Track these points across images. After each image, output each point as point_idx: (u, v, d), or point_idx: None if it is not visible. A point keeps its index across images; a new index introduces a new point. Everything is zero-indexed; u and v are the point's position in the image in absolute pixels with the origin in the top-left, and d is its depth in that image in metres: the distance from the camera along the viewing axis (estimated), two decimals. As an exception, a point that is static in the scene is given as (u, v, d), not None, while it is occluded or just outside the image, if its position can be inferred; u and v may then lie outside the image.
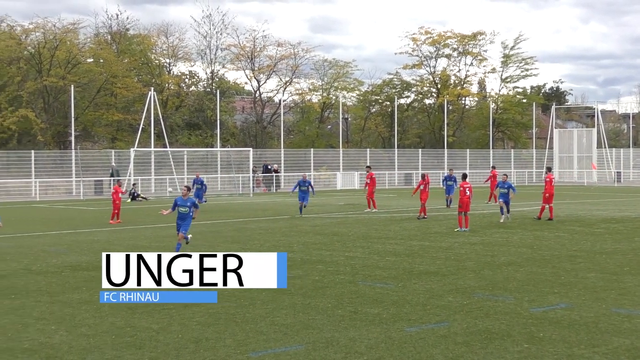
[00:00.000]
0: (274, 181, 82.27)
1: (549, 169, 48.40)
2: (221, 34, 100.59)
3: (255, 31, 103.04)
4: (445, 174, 55.54)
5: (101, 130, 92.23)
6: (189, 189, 31.00)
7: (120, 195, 44.41)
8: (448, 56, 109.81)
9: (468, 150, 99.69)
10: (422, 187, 44.97)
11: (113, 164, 74.42)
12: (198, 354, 15.11)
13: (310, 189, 47.88)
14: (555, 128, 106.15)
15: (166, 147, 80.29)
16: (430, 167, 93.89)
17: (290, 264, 26.80)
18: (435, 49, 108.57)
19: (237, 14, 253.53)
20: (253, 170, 78.74)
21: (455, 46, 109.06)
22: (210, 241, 33.89)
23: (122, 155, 76.44)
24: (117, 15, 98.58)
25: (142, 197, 65.98)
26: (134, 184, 68.01)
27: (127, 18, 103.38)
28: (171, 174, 77.04)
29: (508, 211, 42.61)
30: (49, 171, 73.50)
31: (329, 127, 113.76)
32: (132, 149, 72.98)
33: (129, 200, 64.18)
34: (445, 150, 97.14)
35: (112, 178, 72.48)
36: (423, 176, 45.98)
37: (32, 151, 73.68)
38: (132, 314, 18.90)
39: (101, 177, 74.31)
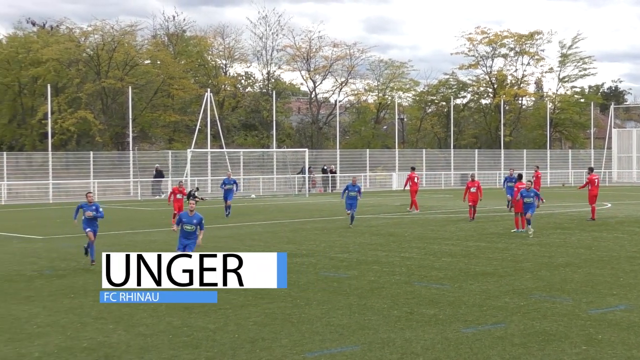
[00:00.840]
0: (330, 182, 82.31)
1: (591, 170, 47.83)
2: (277, 35, 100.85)
3: (310, 32, 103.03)
4: (506, 175, 49.55)
5: (158, 131, 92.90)
6: (195, 200, 28.00)
7: (178, 196, 43.21)
8: (505, 56, 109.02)
9: (525, 150, 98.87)
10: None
11: (157, 165, 74.83)
12: (254, 353, 15.16)
13: (359, 195, 40.78)
14: (614, 128, 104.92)
15: (222, 148, 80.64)
16: (486, 167, 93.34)
17: (345, 265, 26.88)
18: (491, 48, 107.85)
19: (293, 14, 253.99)
20: (308, 171, 78.84)
21: (512, 46, 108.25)
22: (266, 241, 33.99)
23: (178, 156, 76.92)
24: (174, 17, 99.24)
25: (200, 198, 66.27)
26: (197, 188, 68.46)
27: (184, 20, 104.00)
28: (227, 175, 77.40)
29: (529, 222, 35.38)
30: (107, 172, 74.17)
31: (384, 127, 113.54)
32: (189, 150, 73.38)
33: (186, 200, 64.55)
34: (502, 150, 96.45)
35: (154, 179, 73.12)
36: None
37: (91, 152, 74.39)
38: (188, 313, 19.03)
39: (159, 177, 74.85)
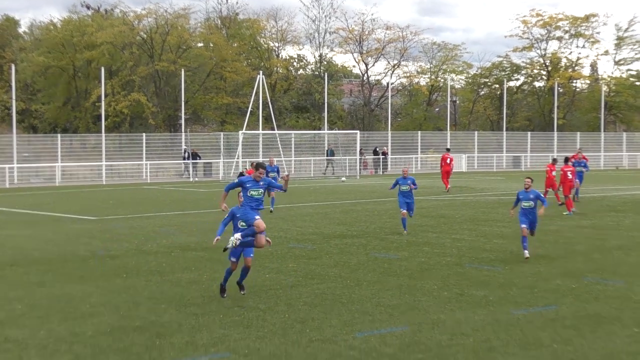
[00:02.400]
0: (381, 164, 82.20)
1: None
2: (330, 18, 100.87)
3: (363, 14, 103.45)
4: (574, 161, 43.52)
5: (210, 113, 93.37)
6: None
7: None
8: (559, 38, 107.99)
9: (578, 133, 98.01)
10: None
11: (185, 146, 74.90)
12: (304, 333, 15.22)
13: (413, 188, 30.99)
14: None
15: (274, 130, 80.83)
16: (538, 150, 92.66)
17: (396, 246, 26.87)
18: (546, 31, 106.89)
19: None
20: (360, 153, 78.79)
21: (566, 28, 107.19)
22: (317, 222, 34.05)
23: (231, 138, 77.21)
24: (227, 0, 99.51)
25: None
26: (245, 169, 68.70)
27: (237, 3, 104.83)
28: (279, 156, 77.56)
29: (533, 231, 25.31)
30: (160, 153, 74.71)
31: (436, 109, 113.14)
32: (240, 132, 73.63)
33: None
34: (555, 133, 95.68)
35: (185, 161, 73.29)
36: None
37: (144, 134, 74.99)
38: (236, 292, 19.13)
39: (210, 159, 75.21)
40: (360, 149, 79.36)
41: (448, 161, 54.88)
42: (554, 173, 39.67)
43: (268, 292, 19.26)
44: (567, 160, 39.96)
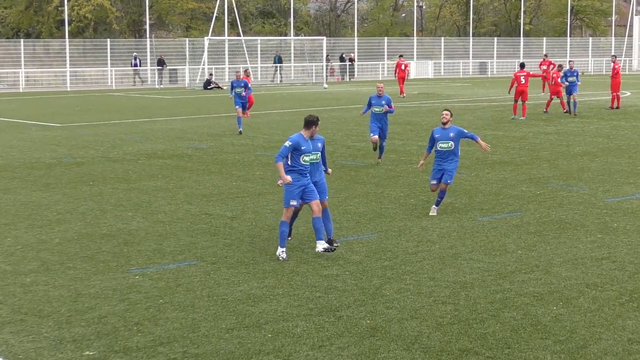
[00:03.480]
0: (348, 70, 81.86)
1: (615, 57, 47.64)
2: None
3: None
4: (566, 69, 41.18)
5: (176, 18, 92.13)
6: (215, 86, 20.70)
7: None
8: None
9: (545, 38, 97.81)
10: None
11: (135, 53, 73.42)
12: (272, 241, 15.30)
13: (389, 109, 24.77)
14: (636, 15, 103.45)
15: (240, 36, 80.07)
16: (505, 56, 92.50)
17: (363, 153, 26.93)
18: None
19: None
20: (327, 59, 78.38)
21: None
22: (283, 130, 34.01)
23: (196, 44, 76.42)
24: None
25: (218, 86, 66.17)
26: (210, 74, 68.19)
27: None
28: (245, 62, 77.00)
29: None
30: (125, 60, 73.91)
31: (403, 15, 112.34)
32: (206, 38, 72.86)
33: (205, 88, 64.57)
34: (522, 38, 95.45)
35: (135, 68, 72.31)
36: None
37: (108, 40, 74.07)
38: (206, 201, 19.18)
39: (176, 66, 74.58)
40: (327, 56, 78.90)
41: (403, 67, 56.25)
42: (560, 80, 40.13)
43: (235, 200, 19.31)
44: (522, 66, 39.90)
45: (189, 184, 21.57)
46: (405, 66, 57.34)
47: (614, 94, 43.06)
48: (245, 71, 44.78)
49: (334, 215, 17.58)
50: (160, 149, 28.50)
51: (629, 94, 53.20)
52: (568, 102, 40.21)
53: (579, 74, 41.05)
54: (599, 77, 77.64)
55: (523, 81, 38.02)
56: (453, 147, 17.82)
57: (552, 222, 16.70)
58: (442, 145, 17.84)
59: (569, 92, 39.96)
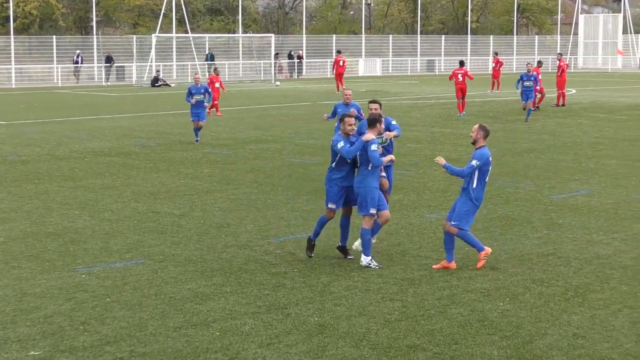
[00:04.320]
0: (297, 68, 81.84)
1: (561, 55, 48.29)
2: None
3: None
4: (523, 72, 38.01)
5: (123, 15, 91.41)
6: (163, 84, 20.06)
7: (216, 85, 38.92)
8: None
9: (492, 36, 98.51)
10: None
11: (78, 51, 72.47)
12: (220, 239, 15.26)
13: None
14: (581, 14, 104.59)
15: (188, 34, 79.71)
16: (452, 53, 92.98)
17: (311, 151, 26.96)
18: None
19: None
20: (275, 57, 78.26)
21: None
22: (232, 127, 33.93)
23: (144, 41, 75.98)
24: None
25: (166, 83, 65.87)
26: (157, 71, 67.81)
27: None
28: (193, 60, 76.68)
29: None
30: (71, 57, 73.25)
31: (351, 13, 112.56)
32: (154, 35, 72.49)
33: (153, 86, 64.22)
34: (469, 36, 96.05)
35: (75, 65, 71.56)
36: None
37: (54, 36, 73.35)
38: (154, 199, 19.07)
39: (123, 63, 74.03)
40: (276, 53, 78.78)
41: (341, 63, 57.07)
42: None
43: (183, 198, 19.23)
44: (462, 63, 40.30)
45: (136, 182, 21.44)
46: (344, 62, 58.08)
47: (560, 91, 43.51)
48: (215, 69, 41.70)
49: (282, 212, 17.58)
50: (107, 147, 28.29)
51: (574, 91, 53.75)
52: (524, 109, 36.57)
53: (537, 78, 37.23)
54: (545, 75, 78.20)
55: (461, 79, 38.30)
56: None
57: (498, 219, 16.83)
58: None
59: (525, 98, 36.46)
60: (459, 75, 38.34)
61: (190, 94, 29.03)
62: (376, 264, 13.37)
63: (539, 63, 42.24)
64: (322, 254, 14.06)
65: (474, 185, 13.73)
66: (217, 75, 38.71)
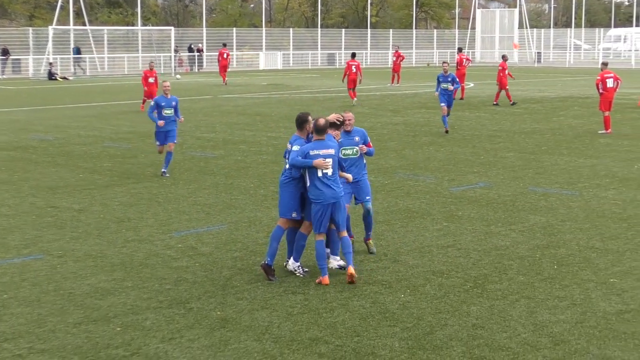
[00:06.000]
0: (197, 61, 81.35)
1: (460, 49, 49.24)
2: None
3: None
4: (439, 73, 31.73)
5: (18, 7, 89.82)
6: (62, 78, 17.07)
7: (150, 80, 36.95)
8: None
9: (391, 30, 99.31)
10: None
11: None
12: (120, 233, 15.11)
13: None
14: (478, 8, 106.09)
15: (86, 26, 78.59)
16: (353, 47, 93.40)
17: (212, 144, 26.85)
18: None
19: None
20: (175, 50, 77.67)
21: None
22: (132, 121, 33.61)
23: (40, 34, 74.68)
24: None
25: (62, 77, 64.92)
26: (50, 63, 66.78)
27: None
28: (91, 53, 75.68)
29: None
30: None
31: (251, 6, 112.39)
32: (50, 27, 71.30)
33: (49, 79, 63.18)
34: (369, 30, 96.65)
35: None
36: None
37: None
38: (52, 194, 18.79)
39: (19, 55, 72.63)
40: (176, 46, 78.20)
41: (225, 56, 58.53)
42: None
43: (82, 192, 18.98)
44: (353, 55, 42.80)
45: (34, 177, 21.09)
46: (227, 55, 59.44)
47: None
48: (150, 64, 38.59)
49: (183, 206, 17.48)
50: (3, 141, 27.77)
51: (472, 85, 54.51)
52: (444, 118, 30.22)
53: (455, 78, 31.39)
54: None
55: (354, 70, 40.70)
56: None
57: (399, 211, 16.98)
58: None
59: (445, 100, 30.56)
60: (353, 67, 40.68)
61: (157, 107, 21.33)
62: (301, 270, 12.78)
63: (504, 57, 42.95)
64: (223, 248, 14.02)
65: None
66: (152, 69, 37.69)
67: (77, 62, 74.23)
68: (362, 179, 13.64)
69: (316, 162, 12.14)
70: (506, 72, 40.83)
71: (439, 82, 30.91)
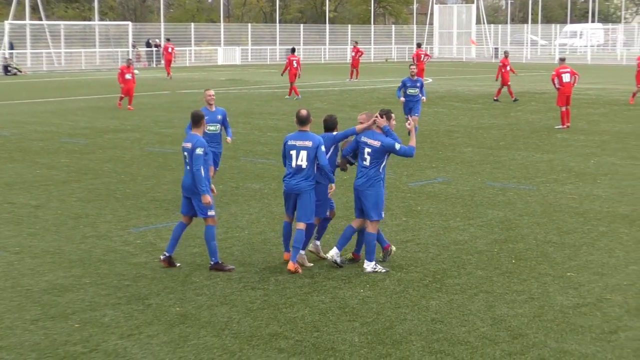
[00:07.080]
0: (155, 56, 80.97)
1: (419, 45, 49.62)
2: None
3: None
4: (405, 77, 28.05)
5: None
6: (15, 72, 14.58)
7: (127, 76, 36.41)
8: None
9: (350, 26, 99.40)
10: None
11: None
12: (78, 229, 15.03)
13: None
14: (436, 4, 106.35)
15: (42, 21, 77.93)
16: (311, 42, 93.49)
17: (171, 140, 26.76)
18: None
19: None
20: (133, 45, 77.24)
21: None
22: (90, 117, 33.41)
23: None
24: None
25: (18, 70, 64.38)
26: (5, 58, 66.19)
27: None
28: (47, 48, 75.10)
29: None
30: None
31: (209, 1, 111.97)
32: (6, 22, 70.64)
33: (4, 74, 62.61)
34: (327, 25, 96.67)
35: None
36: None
37: None
38: (9, 190, 18.64)
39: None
40: (133, 42, 77.79)
41: (170, 50, 60.65)
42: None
43: (40, 188, 18.84)
44: (293, 50, 44.15)
45: (-10, 173, 20.92)
46: (172, 49, 61.26)
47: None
48: (128, 60, 38.42)
49: (142, 202, 17.40)
50: (-41, 137, 27.53)
51: (430, 80, 54.68)
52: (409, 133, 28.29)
53: (423, 85, 28.19)
54: (402, 64, 79.47)
55: (295, 65, 41.79)
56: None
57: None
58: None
59: (408, 110, 27.53)
60: (294, 62, 41.93)
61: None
62: (381, 267, 12.71)
63: (505, 53, 43.03)
64: (182, 243, 13.97)
65: None
66: (129, 66, 37.03)
67: (11, 57, 72.77)
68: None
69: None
70: (507, 68, 40.53)
71: (405, 87, 27.39)
